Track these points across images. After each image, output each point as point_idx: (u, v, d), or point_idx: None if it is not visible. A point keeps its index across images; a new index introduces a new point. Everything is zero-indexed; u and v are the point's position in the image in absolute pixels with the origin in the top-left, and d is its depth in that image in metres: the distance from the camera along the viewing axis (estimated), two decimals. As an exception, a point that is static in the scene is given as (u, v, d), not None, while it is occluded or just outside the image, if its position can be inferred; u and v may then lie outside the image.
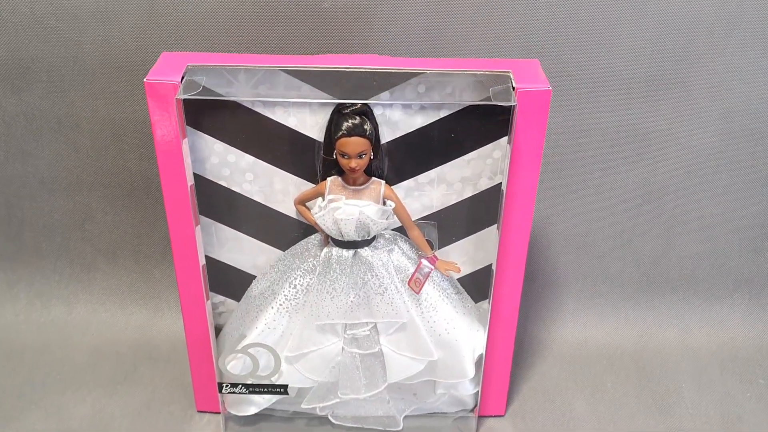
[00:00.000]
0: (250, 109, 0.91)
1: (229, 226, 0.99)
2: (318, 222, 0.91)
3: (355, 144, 0.86)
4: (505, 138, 0.92)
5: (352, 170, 0.88)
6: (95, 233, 1.25)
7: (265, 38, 1.12)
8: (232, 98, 0.88)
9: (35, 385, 1.15)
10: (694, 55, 1.13)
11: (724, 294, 1.29)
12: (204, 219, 0.98)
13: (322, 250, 0.95)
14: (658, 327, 1.28)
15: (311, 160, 0.94)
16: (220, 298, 1.05)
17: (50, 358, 1.20)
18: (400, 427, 1.08)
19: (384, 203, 0.92)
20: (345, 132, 0.86)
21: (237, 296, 1.05)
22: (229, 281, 1.04)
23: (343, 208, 0.89)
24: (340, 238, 0.93)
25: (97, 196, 1.21)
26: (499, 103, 0.84)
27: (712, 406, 1.14)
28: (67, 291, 1.28)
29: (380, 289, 0.95)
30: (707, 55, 1.13)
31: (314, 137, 0.92)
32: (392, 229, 0.98)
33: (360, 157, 0.87)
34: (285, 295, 0.98)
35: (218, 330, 1.07)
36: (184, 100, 0.86)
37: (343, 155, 0.87)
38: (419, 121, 0.91)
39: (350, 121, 0.86)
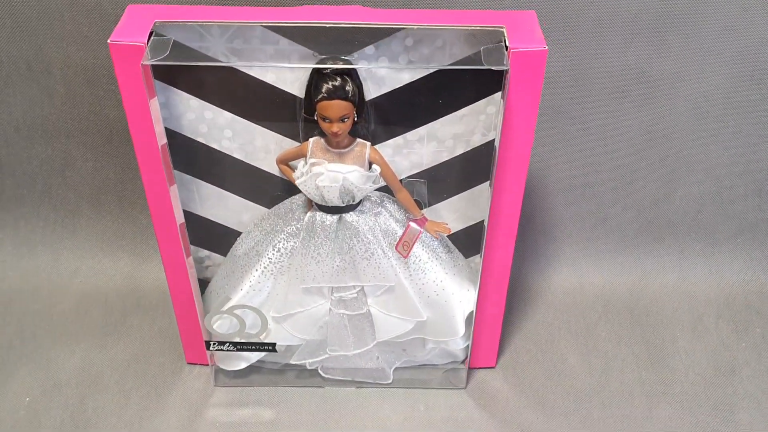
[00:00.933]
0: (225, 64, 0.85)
1: (210, 182, 0.95)
2: (300, 188, 0.87)
3: (336, 107, 0.81)
4: (498, 93, 0.86)
5: (334, 134, 0.83)
6: (77, 179, 1.21)
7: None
8: (203, 63, 0.82)
9: (24, 337, 1.14)
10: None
11: (726, 239, 1.25)
12: (183, 176, 0.94)
13: (305, 213, 0.92)
14: (656, 273, 1.25)
15: (292, 116, 0.88)
16: (205, 252, 1.03)
17: (38, 306, 1.19)
18: (390, 380, 1.08)
19: (369, 166, 0.87)
20: (325, 95, 0.80)
21: (222, 250, 1.02)
22: (214, 236, 1.00)
23: (325, 174, 0.85)
24: (323, 203, 0.88)
25: (75, 143, 1.16)
26: (491, 67, 0.78)
27: (706, 357, 1.13)
28: (53, 237, 1.25)
29: (366, 254, 0.91)
30: (721, -9, 1.04)
31: (295, 93, 0.86)
32: (379, 189, 0.93)
33: (342, 121, 0.82)
34: (269, 258, 0.95)
35: (206, 283, 1.05)
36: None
37: (324, 119, 0.82)
38: (407, 76, 0.85)
39: (330, 82, 0.80)
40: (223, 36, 0.84)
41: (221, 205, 0.97)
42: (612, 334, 1.17)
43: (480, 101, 0.87)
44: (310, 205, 0.91)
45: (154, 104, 0.85)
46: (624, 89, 1.12)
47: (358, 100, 0.82)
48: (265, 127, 0.90)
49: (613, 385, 1.09)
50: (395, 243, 0.92)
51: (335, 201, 0.87)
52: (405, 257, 0.93)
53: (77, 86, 1.10)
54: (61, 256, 1.25)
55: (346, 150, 0.86)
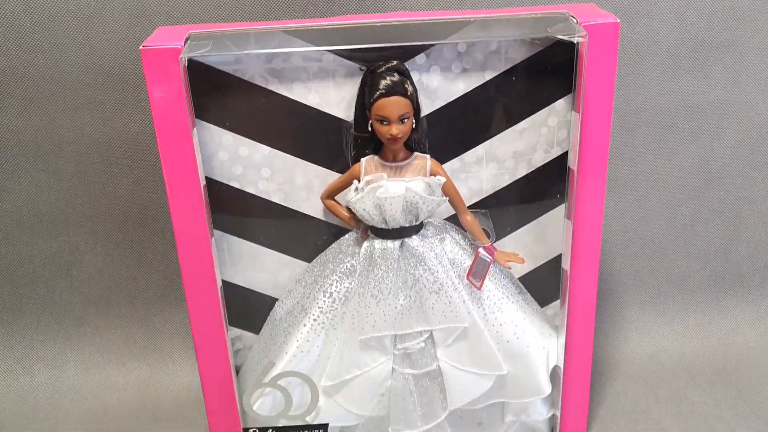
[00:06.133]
0: (263, 88, 0.78)
1: (242, 237, 0.85)
2: (356, 207, 0.76)
3: (395, 105, 0.73)
4: (561, 101, 0.80)
5: (394, 139, 0.74)
6: (84, 279, 1.08)
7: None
8: (248, 51, 0.75)
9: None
10: (745, 13, 1.01)
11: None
12: (214, 232, 0.83)
13: (360, 246, 0.80)
14: (734, 332, 1.12)
15: (339, 146, 0.80)
16: (236, 332, 0.89)
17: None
18: (464, 467, 0.90)
19: (431, 180, 0.78)
20: (383, 91, 0.73)
21: (255, 328, 0.89)
22: (246, 309, 0.88)
23: (385, 186, 0.75)
24: (383, 226, 0.78)
25: (84, 234, 1.05)
26: (564, 37, 0.71)
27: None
28: (54, 351, 1.09)
29: (435, 287, 0.79)
30: (759, 13, 1.01)
31: (341, 116, 0.78)
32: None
33: (401, 121, 0.74)
34: (319, 307, 0.82)
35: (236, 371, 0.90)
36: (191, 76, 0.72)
37: (381, 121, 0.74)
38: (461, 87, 0.79)
39: (388, 78, 0.73)
40: (260, 57, 0.78)
41: (255, 266, 0.86)
42: (707, 398, 1.01)
43: (541, 111, 0.80)
44: (365, 234, 0.80)
45: (196, 135, 0.76)
46: (670, 125, 1.06)
47: (416, 101, 0.75)
48: (307, 161, 0.81)
49: (726, 450, 0.92)
50: (465, 274, 0.81)
51: (398, 218, 0.76)
52: (478, 289, 0.81)
53: (89, 163, 1.00)
54: (62, 373, 1.08)
55: (405, 163, 0.77)
